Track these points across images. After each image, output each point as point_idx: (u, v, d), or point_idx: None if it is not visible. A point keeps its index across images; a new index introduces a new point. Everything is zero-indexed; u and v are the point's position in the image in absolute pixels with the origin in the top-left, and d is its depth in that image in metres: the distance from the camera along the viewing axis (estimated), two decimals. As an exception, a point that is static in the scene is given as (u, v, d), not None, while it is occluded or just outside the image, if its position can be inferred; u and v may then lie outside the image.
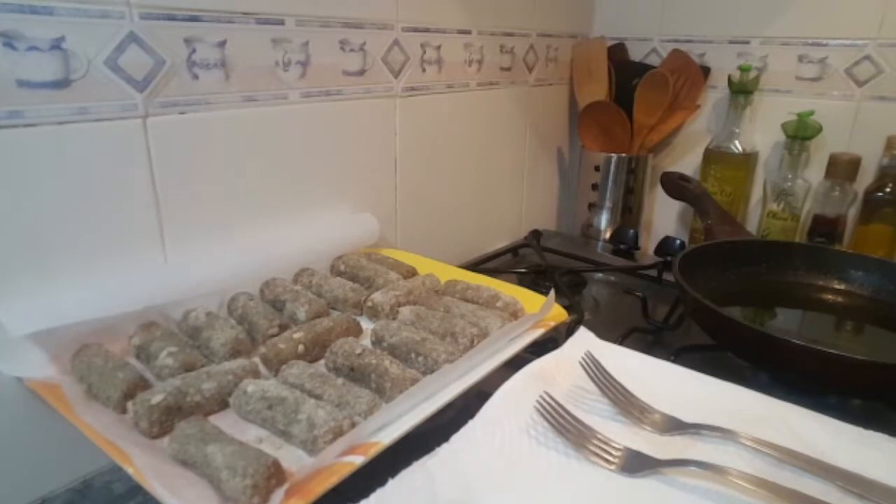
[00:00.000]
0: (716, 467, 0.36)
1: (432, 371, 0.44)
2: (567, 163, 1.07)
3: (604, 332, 0.52)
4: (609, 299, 0.78)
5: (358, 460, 0.35)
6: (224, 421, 0.39)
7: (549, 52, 0.94)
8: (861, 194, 0.81)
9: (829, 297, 0.67)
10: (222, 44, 0.52)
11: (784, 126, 0.85)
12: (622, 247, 0.92)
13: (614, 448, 0.39)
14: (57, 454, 0.45)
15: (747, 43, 0.90)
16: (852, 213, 0.83)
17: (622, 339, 0.60)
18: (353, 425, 0.37)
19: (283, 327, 0.49)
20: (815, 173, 0.85)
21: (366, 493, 0.34)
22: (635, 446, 0.39)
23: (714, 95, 0.95)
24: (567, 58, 0.99)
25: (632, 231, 0.93)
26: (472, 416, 0.41)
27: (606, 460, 0.38)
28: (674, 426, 0.42)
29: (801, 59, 0.87)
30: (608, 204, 0.97)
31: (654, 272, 0.78)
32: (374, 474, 0.35)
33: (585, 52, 0.98)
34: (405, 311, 0.53)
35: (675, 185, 0.86)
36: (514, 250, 0.91)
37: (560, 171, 1.06)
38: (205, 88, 0.51)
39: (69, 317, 0.42)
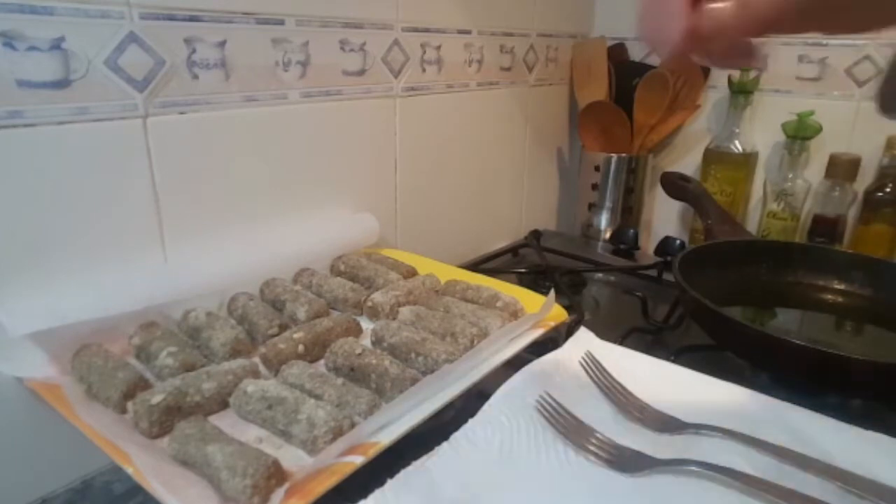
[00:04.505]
0: (715, 467, 0.36)
1: (432, 371, 0.44)
2: (567, 163, 1.07)
3: (604, 332, 0.52)
4: (609, 299, 0.78)
5: (358, 460, 0.35)
6: (224, 421, 0.39)
7: (549, 52, 0.94)
8: (861, 194, 0.81)
9: (829, 297, 0.67)
10: (222, 44, 0.52)
11: (784, 126, 0.85)
12: (622, 247, 0.92)
13: (614, 448, 0.39)
14: (57, 454, 0.45)
15: (747, 43, 0.90)
16: (852, 213, 0.83)
17: (622, 339, 0.60)
18: (353, 425, 0.37)
19: (283, 327, 0.49)
20: (815, 173, 0.85)
21: (365, 493, 0.34)
22: (635, 446, 0.39)
23: (714, 95, 0.95)
24: (567, 58, 0.99)
25: (632, 231, 0.93)
26: (472, 416, 0.41)
27: (606, 460, 0.38)
28: (674, 426, 0.42)
29: (801, 59, 0.87)
30: (608, 204, 0.97)
31: (654, 272, 0.78)
32: (374, 474, 0.35)
33: (585, 52, 0.97)
34: (405, 311, 0.52)
35: (675, 185, 0.86)
36: (514, 250, 0.91)
37: (560, 171, 1.06)
38: (205, 88, 0.51)
39: (69, 317, 0.42)
